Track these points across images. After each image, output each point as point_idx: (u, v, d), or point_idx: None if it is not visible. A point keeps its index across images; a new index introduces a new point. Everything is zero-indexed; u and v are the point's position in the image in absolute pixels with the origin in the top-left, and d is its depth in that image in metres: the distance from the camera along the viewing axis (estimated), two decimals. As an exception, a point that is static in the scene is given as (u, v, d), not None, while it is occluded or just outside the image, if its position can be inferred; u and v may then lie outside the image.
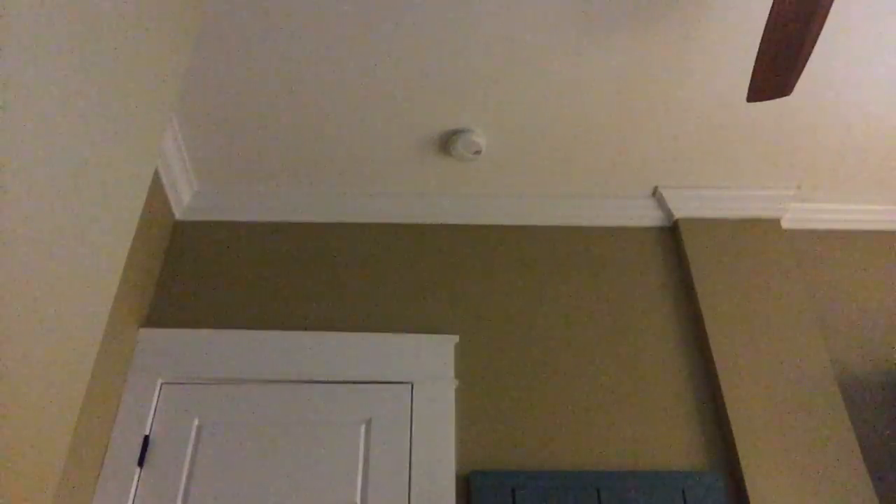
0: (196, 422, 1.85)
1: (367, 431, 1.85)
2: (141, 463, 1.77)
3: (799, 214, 2.33)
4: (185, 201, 2.26)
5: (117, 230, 1.16)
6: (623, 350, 2.04)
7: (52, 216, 0.94)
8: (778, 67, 1.47)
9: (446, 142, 2.10)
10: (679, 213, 2.28)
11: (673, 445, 1.87)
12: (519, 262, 2.22)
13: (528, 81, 1.90)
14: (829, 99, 1.96)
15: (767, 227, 2.26)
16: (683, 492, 1.76)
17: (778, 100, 1.94)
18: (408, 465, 1.79)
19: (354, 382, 1.93)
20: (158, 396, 1.88)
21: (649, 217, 2.33)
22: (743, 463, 1.80)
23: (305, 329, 2.06)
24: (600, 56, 1.82)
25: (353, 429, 1.85)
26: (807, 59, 1.46)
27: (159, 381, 1.89)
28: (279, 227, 2.27)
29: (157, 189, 2.05)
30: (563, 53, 1.82)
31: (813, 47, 1.43)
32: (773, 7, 1.40)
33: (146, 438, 1.80)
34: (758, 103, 1.94)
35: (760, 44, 1.46)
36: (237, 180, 2.27)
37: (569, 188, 2.31)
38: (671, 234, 2.30)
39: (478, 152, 2.11)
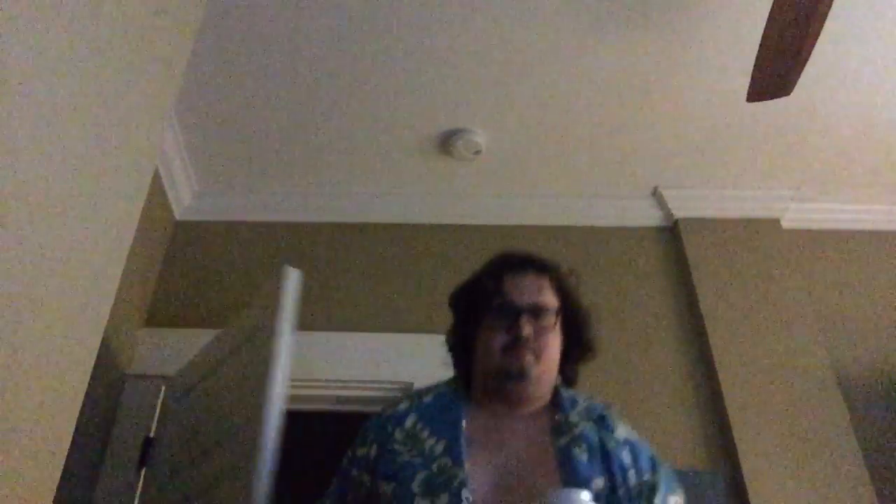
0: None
1: (367, 431, 1.84)
2: (142, 463, 1.76)
3: (799, 214, 2.33)
4: (185, 201, 2.26)
5: (117, 230, 1.16)
6: (623, 350, 2.04)
7: (53, 217, 0.94)
8: (778, 67, 1.47)
9: (446, 142, 2.10)
10: (679, 213, 2.28)
11: (673, 445, 1.87)
12: (519, 262, 2.22)
13: (527, 81, 1.90)
14: (829, 99, 1.95)
15: (767, 227, 2.26)
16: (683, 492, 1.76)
17: (778, 100, 1.94)
18: (408, 465, 1.78)
19: (354, 382, 1.93)
20: (159, 397, 1.87)
21: (649, 217, 2.32)
22: (743, 463, 1.79)
23: (305, 329, 2.05)
24: (600, 56, 1.82)
25: (353, 429, 1.85)
26: (806, 60, 1.46)
27: (159, 381, 1.89)
28: (279, 227, 2.27)
29: (157, 189, 2.05)
30: (563, 54, 1.82)
31: (812, 47, 1.43)
32: (772, 7, 1.41)
33: (147, 439, 1.80)
34: (758, 103, 1.94)
35: (760, 44, 1.46)
36: (237, 180, 2.27)
37: (569, 188, 2.31)
38: (671, 234, 2.30)
39: (478, 152, 2.11)
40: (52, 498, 1.00)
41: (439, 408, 1.05)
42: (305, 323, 2.06)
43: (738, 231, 2.24)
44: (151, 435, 1.81)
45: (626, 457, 0.98)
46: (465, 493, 0.88)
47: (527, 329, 1.03)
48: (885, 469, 1.86)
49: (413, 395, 1.11)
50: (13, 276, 0.85)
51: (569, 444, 0.98)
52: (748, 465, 1.79)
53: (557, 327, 1.09)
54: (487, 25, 1.73)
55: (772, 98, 1.53)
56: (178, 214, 2.26)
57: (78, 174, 1.00)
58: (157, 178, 2.03)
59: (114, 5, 1.06)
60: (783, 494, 1.75)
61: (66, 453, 1.03)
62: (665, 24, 1.73)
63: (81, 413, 1.06)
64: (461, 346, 1.14)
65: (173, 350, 1.94)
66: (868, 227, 2.34)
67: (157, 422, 1.83)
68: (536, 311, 1.06)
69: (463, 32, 1.75)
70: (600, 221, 2.31)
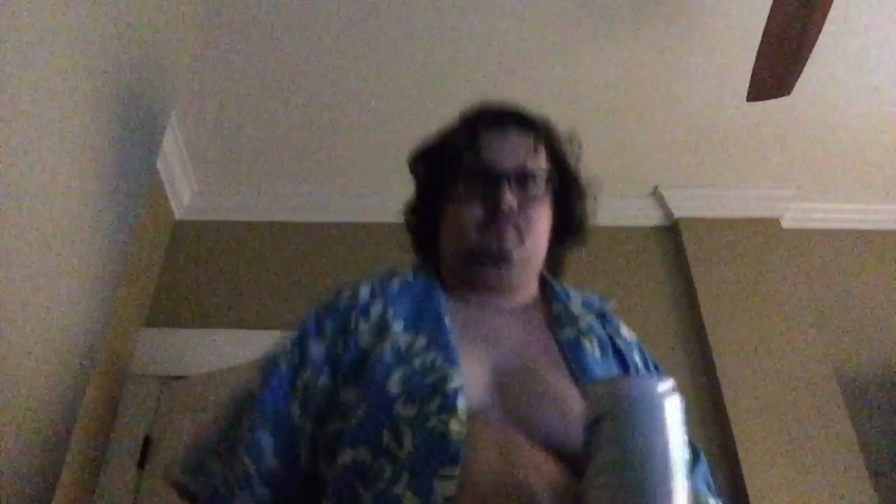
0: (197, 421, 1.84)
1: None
2: (142, 463, 1.76)
3: (799, 214, 2.33)
4: (185, 201, 2.26)
5: (117, 230, 1.16)
6: (623, 350, 2.04)
7: (53, 217, 0.94)
8: (778, 67, 1.47)
9: (446, 142, 2.10)
10: (679, 213, 2.28)
11: (673, 445, 1.86)
12: (519, 262, 2.22)
13: (527, 81, 1.89)
14: (829, 99, 1.95)
15: (767, 227, 2.26)
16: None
17: (778, 99, 1.94)
18: (408, 465, 1.78)
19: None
20: (159, 396, 1.87)
21: (649, 217, 2.32)
22: (743, 462, 1.79)
23: (305, 329, 2.05)
24: (600, 56, 1.82)
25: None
26: (806, 59, 1.46)
27: (159, 381, 1.89)
28: (279, 227, 2.27)
29: (157, 189, 2.05)
30: (563, 53, 1.82)
31: (812, 47, 1.43)
32: (772, 7, 1.41)
33: (147, 438, 1.79)
34: (758, 103, 1.94)
35: (760, 44, 1.46)
36: (237, 180, 2.27)
37: (569, 188, 2.31)
38: (671, 234, 2.29)
39: (478, 152, 2.11)
40: (52, 497, 1.00)
41: (410, 295, 0.81)
42: (305, 323, 2.07)
43: (738, 231, 2.24)
44: (150, 434, 1.80)
45: (637, 358, 0.82)
46: (461, 402, 0.64)
47: (509, 199, 0.80)
48: (885, 469, 1.86)
49: (372, 281, 0.83)
50: (13, 275, 0.85)
51: (577, 337, 0.79)
52: (748, 465, 1.79)
53: (548, 199, 0.88)
54: (487, 26, 1.73)
55: (772, 98, 1.53)
56: (178, 214, 2.25)
57: (78, 174, 1.00)
58: (157, 178, 2.03)
59: (114, 6, 1.06)
60: (783, 493, 1.75)
61: (66, 453, 1.03)
62: (665, 23, 1.73)
63: (81, 413, 1.06)
64: (425, 224, 0.90)
65: (173, 350, 1.94)
66: (868, 227, 2.34)
67: (157, 422, 1.83)
68: (522, 178, 0.84)
69: (463, 33, 1.75)
70: (600, 221, 2.30)
